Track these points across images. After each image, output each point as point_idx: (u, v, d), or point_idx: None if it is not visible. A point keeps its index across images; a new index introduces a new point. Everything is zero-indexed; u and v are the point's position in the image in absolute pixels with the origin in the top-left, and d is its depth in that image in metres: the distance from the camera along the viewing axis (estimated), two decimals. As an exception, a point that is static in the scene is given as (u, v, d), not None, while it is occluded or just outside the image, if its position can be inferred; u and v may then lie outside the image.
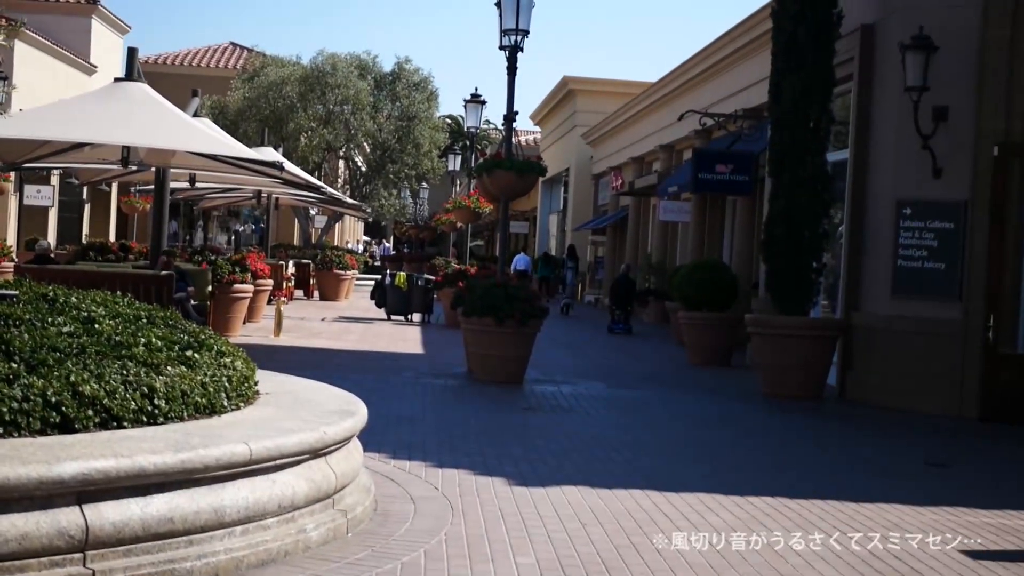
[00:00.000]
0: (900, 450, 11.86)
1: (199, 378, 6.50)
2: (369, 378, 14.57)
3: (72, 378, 5.80)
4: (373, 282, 29.66)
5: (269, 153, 23.34)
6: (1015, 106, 14.08)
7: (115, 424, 5.81)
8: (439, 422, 11.57)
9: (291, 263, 32.42)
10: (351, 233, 71.85)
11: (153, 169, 17.75)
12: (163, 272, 16.29)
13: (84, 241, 31.15)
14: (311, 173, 36.40)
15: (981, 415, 13.90)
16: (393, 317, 26.39)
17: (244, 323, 20.29)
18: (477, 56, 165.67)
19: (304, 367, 13.00)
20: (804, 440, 12.30)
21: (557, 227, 52.30)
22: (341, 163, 49.39)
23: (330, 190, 29.54)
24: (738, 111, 23.35)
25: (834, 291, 16.72)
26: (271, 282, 23.60)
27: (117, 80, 15.86)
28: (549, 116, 53.40)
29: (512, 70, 16.65)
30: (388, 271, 29.52)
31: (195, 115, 18.27)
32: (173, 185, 20.07)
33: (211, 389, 6.53)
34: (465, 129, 34.45)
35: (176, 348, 6.74)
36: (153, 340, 6.66)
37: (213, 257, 20.86)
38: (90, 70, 36.62)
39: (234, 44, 52.52)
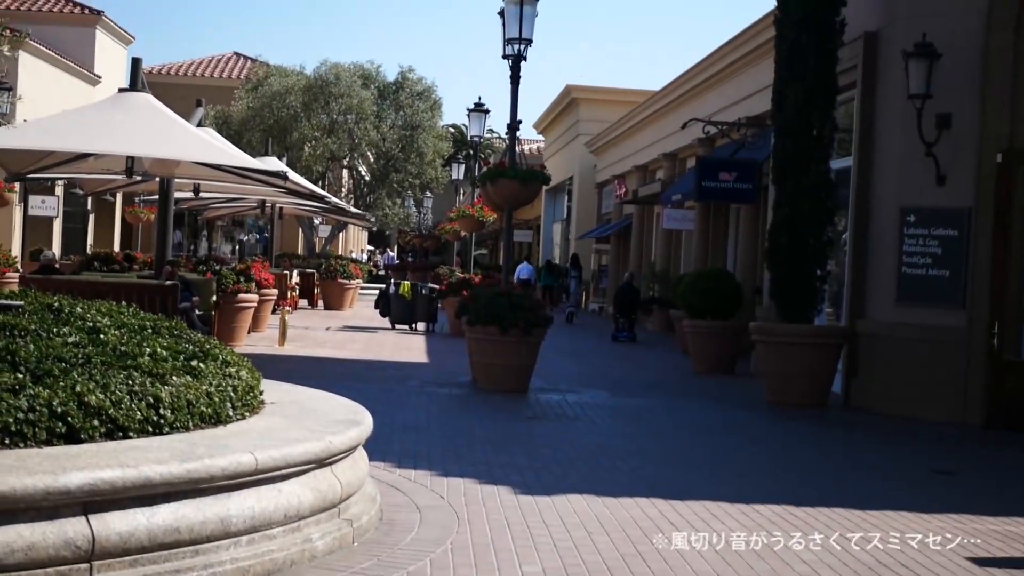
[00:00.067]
0: (905, 457, 11.85)
1: (204, 388, 6.50)
2: (374, 387, 14.58)
3: (78, 388, 5.80)
4: (377, 291, 29.68)
5: (273, 163, 23.36)
6: (1018, 113, 14.08)
7: (121, 434, 5.82)
8: (444, 431, 11.57)
9: (295, 272, 32.45)
10: (355, 242, 71.86)
11: (157, 179, 17.77)
12: (168, 282, 16.30)
13: (89, 251, 31.18)
14: (315, 183, 36.38)
15: (986, 422, 13.87)
16: (397, 326, 26.40)
17: (249, 333, 20.31)
18: (480, 65, 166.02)
19: (309, 376, 13.02)
20: (808, 447, 12.29)
21: (561, 236, 52.30)
22: (345, 172, 49.39)
23: (334, 199, 29.53)
24: (741, 119, 23.36)
25: (838, 299, 16.72)
26: (275, 292, 23.63)
27: (121, 90, 15.88)
28: (552, 125, 53.43)
29: (515, 79, 16.66)
30: (392, 280, 29.54)
31: (199, 125, 18.30)
32: (177, 195, 20.08)
33: (216, 399, 6.53)
34: (469, 138, 34.58)
35: (181, 358, 6.75)
36: (158, 350, 6.67)
37: (217, 267, 20.89)
38: (94, 80, 36.69)
39: (238, 54, 52.60)
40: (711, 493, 8.83)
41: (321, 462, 6.44)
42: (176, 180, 18.03)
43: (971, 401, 14.04)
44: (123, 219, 39.95)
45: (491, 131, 57.39)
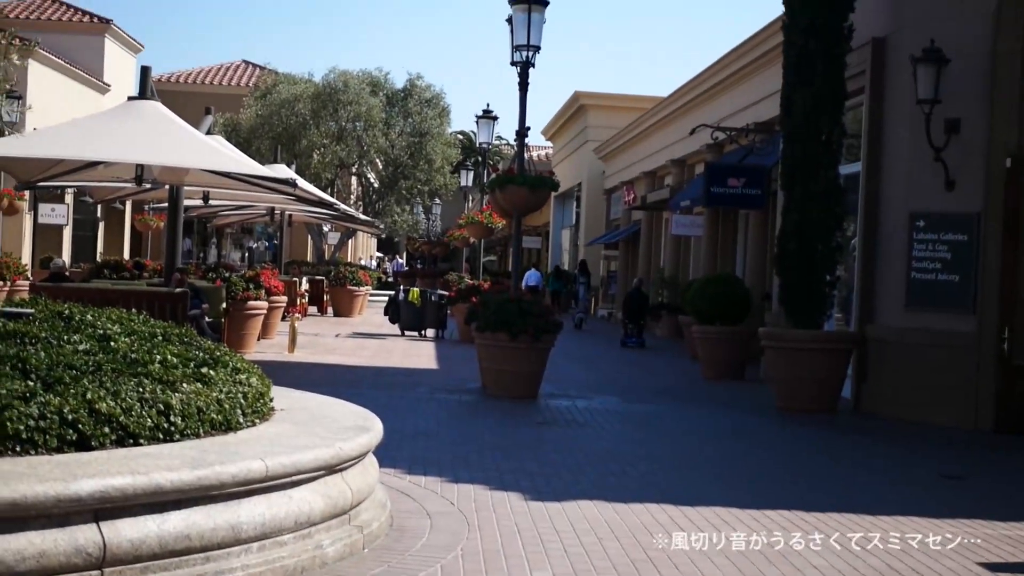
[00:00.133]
0: (915, 462, 11.83)
1: (215, 395, 6.52)
2: (384, 394, 14.59)
3: (88, 396, 5.82)
4: (386, 298, 29.71)
5: (282, 170, 23.39)
6: (1027, 117, 14.07)
7: (131, 441, 5.83)
8: (454, 437, 11.57)
9: (305, 279, 32.46)
10: (364, 249, 71.94)
11: (167, 187, 17.84)
12: (177, 289, 16.35)
13: (99, 259, 31.25)
14: (324, 190, 36.46)
15: (996, 427, 13.85)
16: (407, 333, 26.41)
17: (258, 340, 20.34)
18: (489, 72, 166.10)
19: (319, 383, 13.03)
20: (818, 453, 12.26)
21: (570, 242, 52.31)
22: (354, 179, 49.48)
23: (343, 206, 29.60)
24: (750, 125, 23.36)
25: (848, 304, 16.70)
26: (285, 299, 23.65)
27: (131, 99, 15.97)
28: (561, 131, 53.45)
29: (524, 86, 16.67)
30: (401, 287, 29.55)
31: (208, 133, 18.37)
32: (187, 203, 20.17)
33: (227, 406, 6.55)
34: (477, 145, 34.53)
35: (191, 365, 6.77)
36: (169, 357, 6.69)
37: (227, 274, 20.92)
38: (104, 89, 36.79)
39: (246, 62, 52.73)
40: (721, 498, 8.83)
41: (331, 468, 6.45)
42: (185, 188, 18.10)
43: (981, 406, 14.01)
44: (133, 227, 40.03)
45: (500, 138, 57.45)
